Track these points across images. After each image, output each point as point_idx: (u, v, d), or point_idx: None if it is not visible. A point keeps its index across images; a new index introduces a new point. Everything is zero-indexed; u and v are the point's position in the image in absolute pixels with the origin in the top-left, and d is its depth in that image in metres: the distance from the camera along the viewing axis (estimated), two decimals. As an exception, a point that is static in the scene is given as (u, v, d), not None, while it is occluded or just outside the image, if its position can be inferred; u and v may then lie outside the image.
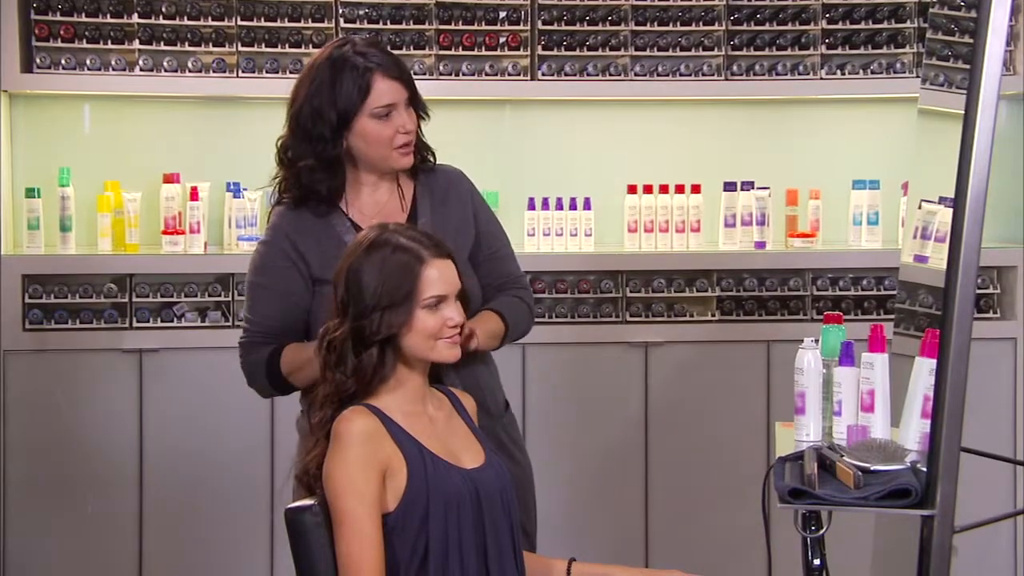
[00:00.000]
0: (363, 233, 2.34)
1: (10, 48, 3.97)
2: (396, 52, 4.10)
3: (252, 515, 3.99)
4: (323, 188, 2.61)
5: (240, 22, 4.11)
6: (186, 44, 4.09)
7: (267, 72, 4.10)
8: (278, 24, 4.12)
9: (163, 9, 4.09)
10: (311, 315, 2.61)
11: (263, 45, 4.11)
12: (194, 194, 4.11)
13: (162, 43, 4.08)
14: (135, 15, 4.07)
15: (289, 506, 2.25)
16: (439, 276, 2.27)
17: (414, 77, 4.12)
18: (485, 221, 2.78)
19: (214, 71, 4.10)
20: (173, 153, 4.24)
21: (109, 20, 4.07)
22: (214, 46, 4.11)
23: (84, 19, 4.05)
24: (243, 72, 4.11)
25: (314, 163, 2.60)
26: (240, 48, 4.11)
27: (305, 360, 2.52)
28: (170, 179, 4.13)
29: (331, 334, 2.27)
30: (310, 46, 4.12)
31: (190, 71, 4.08)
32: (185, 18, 4.10)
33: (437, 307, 2.27)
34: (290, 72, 4.10)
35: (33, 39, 4.02)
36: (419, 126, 2.70)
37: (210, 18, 4.11)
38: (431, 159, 2.75)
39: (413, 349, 2.27)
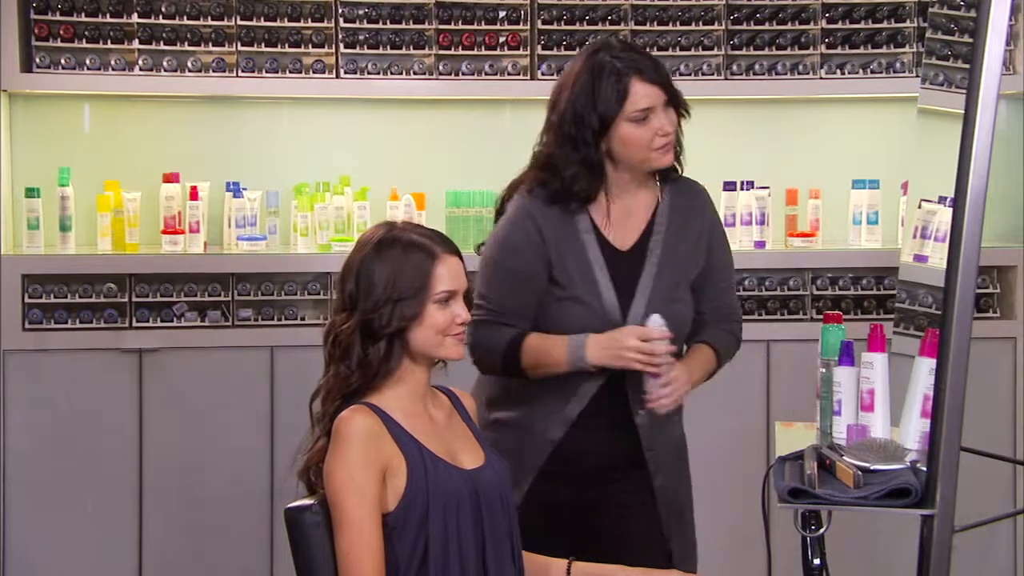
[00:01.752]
0: (370, 230, 2.34)
1: (10, 48, 3.96)
2: (395, 52, 4.14)
3: (252, 514, 3.99)
4: (583, 190, 2.63)
5: (240, 22, 4.11)
6: (186, 44, 4.09)
7: (267, 72, 4.10)
8: (278, 24, 4.12)
9: (163, 9, 4.09)
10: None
11: (263, 45, 4.11)
12: (194, 194, 4.11)
13: (162, 43, 4.08)
14: (135, 15, 4.07)
15: (289, 505, 2.26)
16: (450, 272, 2.28)
17: (413, 76, 4.16)
18: (720, 251, 2.79)
19: (214, 71, 4.10)
20: (173, 153, 4.24)
21: (109, 20, 4.06)
22: (214, 46, 4.11)
23: (84, 19, 4.04)
24: (243, 72, 4.11)
25: (578, 169, 2.62)
26: (240, 48, 4.11)
27: (553, 363, 2.59)
28: (170, 179, 4.13)
29: (338, 328, 2.27)
30: (309, 46, 4.12)
31: (190, 71, 4.08)
32: (185, 18, 4.10)
33: (447, 303, 2.28)
34: (290, 72, 4.10)
35: (33, 39, 4.02)
36: (679, 125, 2.73)
37: (210, 18, 4.11)
38: (678, 167, 2.78)
39: (421, 344, 2.27)
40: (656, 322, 2.55)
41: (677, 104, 2.68)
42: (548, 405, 2.66)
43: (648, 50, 4.15)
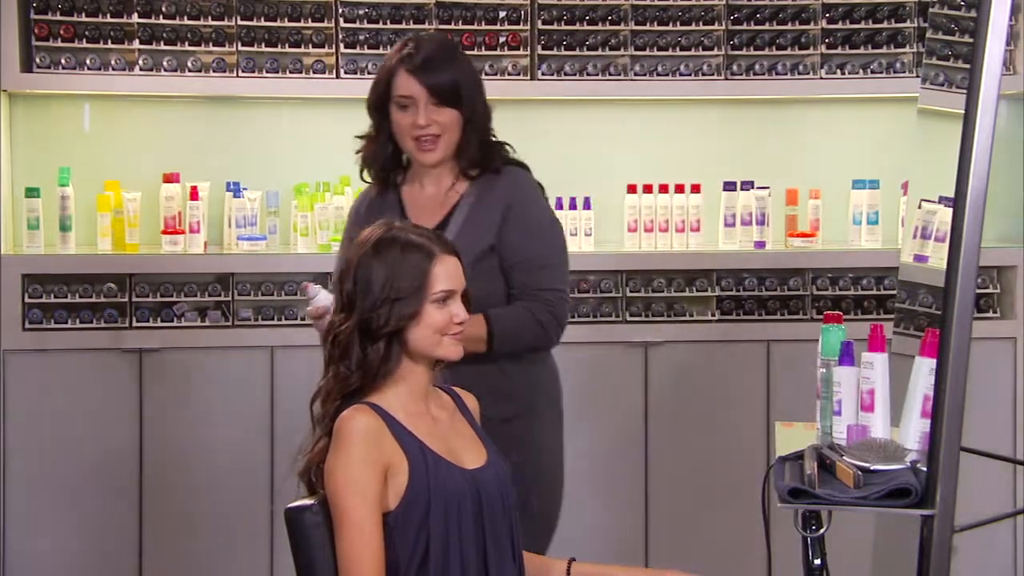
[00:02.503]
0: (370, 229, 2.34)
1: (10, 48, 3.97)
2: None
3: (252, 514, 3.99)
4: (375, 162, 2.86)
5: (240, 22, 4.11)
6: (186, 44, 4.09)
7: (267, 72, 4.11)
8: (278, 24, 4.12)
9: (163, 9, 4.09)
10: None
11: (263, 45, 4.11)
12: (194, 193, 4.11)
13: (162, 43, 4.08)
14: (135, 15, 4.07)
15: (289, 505, 2.26)
16: (447, 272, 2.28)
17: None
18: (519, 232, 2.83)
19: (214, 71, 4.10)
20: (173, 153, 4.24)
21: (109, 20, 4.07)
22: (214, 46, 4.11)
23: (84, 19, 4.05)
24: (243, 72, 4.11)
25: (371, 133, 2.85)
26: (240, 48, 4.11)
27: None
28: (170, 179, 4.13)
29: (337, 328, 2.28)
30: (310, 46, 4.12)
31: (190, 71, 4.08)
32: (185, 18, 4.10)
33: (445, 303, 2.28)
34: (290, 72, 4.11)
35: (33, 39, 4.02)
36: (483, 130, 2.85)
37: (210, 18, 4.11)
38: (499, 162, 2.87)
39: (419, 344, 2.27)
40: (312, 292, 2.72)
41: (459, 104, 2.79)
42: None
43: (648, 50, 4.19)
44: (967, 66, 2.19)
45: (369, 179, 2.92)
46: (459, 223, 2.81)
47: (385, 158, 2.86)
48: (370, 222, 2.55)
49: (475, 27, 4.18)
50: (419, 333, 2.27)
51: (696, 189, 4.26)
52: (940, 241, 3.09)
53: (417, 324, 2.26)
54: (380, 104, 2.81)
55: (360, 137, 2.89)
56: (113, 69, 4.06)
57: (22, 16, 4.01)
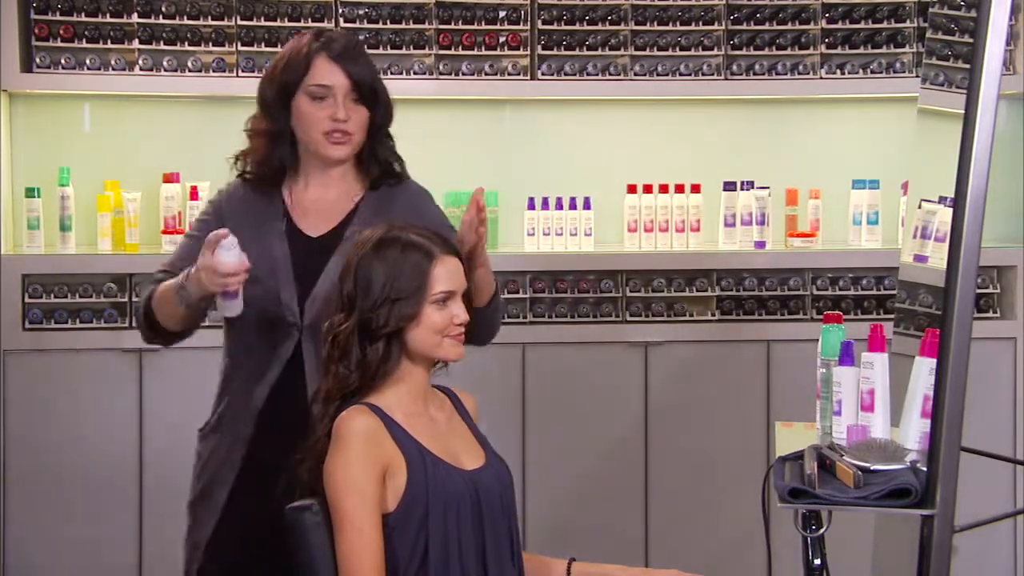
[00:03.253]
0: (371, 229, 2.34)
1: (10, 48, 3.97)
2: (395, 52, 4.14)
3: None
4: (264, 166, 2.64)
5: (240, 22, 4.11)
6: (186, 44, 4.09)
7: (267, 72, 4.10)
8: (278, 24, 4.12)
9: (163, 9, 4.09)
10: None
11: (263, 45, 4.11)
12: (194, 193, 4.11)
13: (162, 43, 4.08)
14: (135, 15, 4.07)
15: (289, 506, 2.26)
16: (448, 272, 2.28)
17: (413, 76, 4.16)
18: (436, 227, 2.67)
19: (214, 70, 4.10)
20: (173, 153, 4.23)
21: (109, 20, 4.06)
22: (214, 45, 4.11)
23: (84, 19, 4.04)
24: (243, 71, 4.11)
25: (266, 136, 2.62)
26: (240, 48, 4.11)
27: (169, 295, 2.50)
28: (170, 179, 4.13)
29: (336, 328, 2.27)
30: (310, 46, 4.12)
31: (190, 71, 4.08)
32: (185, 18, 4.10)
33: (445, 303, 2.28)
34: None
35: (33, 39, 4.02)
36: (389, 136, 2.66)
37: (210, 18, 4.11)
38: (397, 171, 2.68)
39: (419, 344, 2.27)
40: (229, 243, 2.40)
41: (373, 105, 2.60)
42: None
43: (648, 50, 4.19)
44: (967, 66, 2.19)
45: (249, 176, 2.68)
46: (360, 227, 2.56)
47: (284, 155, 2.63)
48: (247, 224, 2.51)
49: (475, 27, 4.18)
50: (419, 334, 2.27)
51: (696, 189, 4.26)
52: (940, 241, 3.08)
53: (417, 325, 2.26)
54: (286, 94, 2.59)
55: (249, 131, 2.68)
56: (113, 69, 4.06)
57: (22, 16, 4.01)
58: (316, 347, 2.46)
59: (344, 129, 2.57)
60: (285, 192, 2.65)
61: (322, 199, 2.64)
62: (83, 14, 4.04)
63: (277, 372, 2.55)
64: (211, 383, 2.70)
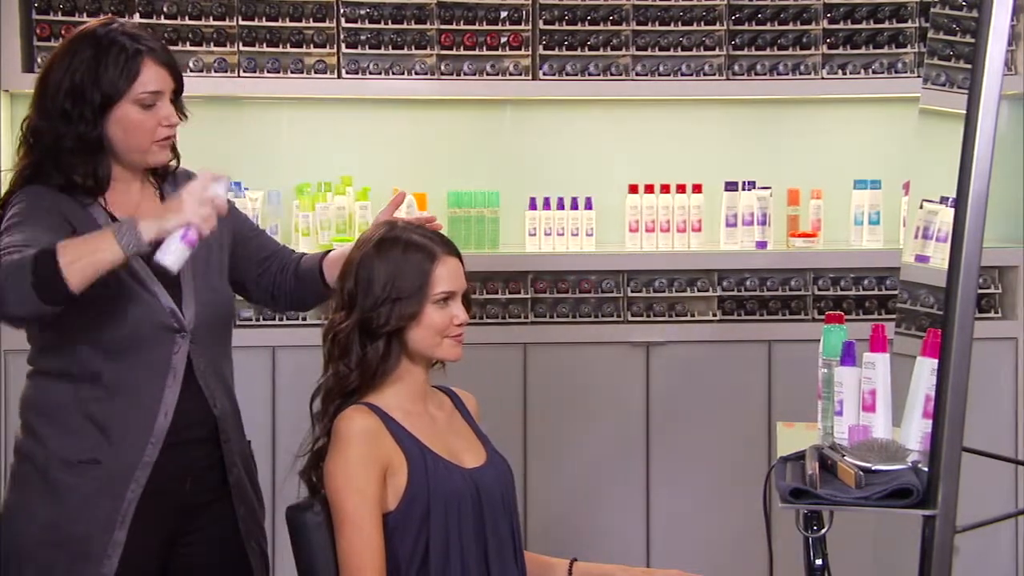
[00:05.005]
0: (371, 229, 2.34)
1: (11, 48, 3.97)
2: (397, 52, 4.14)
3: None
4: (88, 177, 2.37)
5: (241, 22, 4.11)
6: (187, 44, 4.09)
7: (268, 72, 4.11)
8: (279, 24, 4.13)
9: (164, 9, 4.09)
10: None
11: (264, 45, 4.11)
12: (195, 194, 4.10)
13: (163, 43, 4.07)
14: (136, 15, 4.07)
15: (290, 505, 2.26)
16: (449, 273, 2.29)
17: (415, 76, 4.16)
18: (244, 220, 2.66)
19: (215, 71, 4.10)
20: (174, 153, 4.23)
21: (125, 20, 4.03)
22: (215, 46, 4.11)
23: (85, 19, 4.04)
24: (244, 72, 4.11)
25: (74, 145, 2.35)
26: (241, 48, 4.11)
27: (97, 242, 2.18)
28: (171, 179, 4.13)
29: (336, 326, 2.28)
30: (311, 46, 4.12)
31: (191, 71, 4.08)
32: (186, 18, 4.10)
33: (446, 304, 2.28)
34: (292, 72, 4.11)
35: (34, 39, 4.02)
36: None
37: (211, 18, 4.11)
38: (177, 162, 2.54)
39: (419, 344, 2.27)
40: (224, 186, 2.27)
41: (179, 101, 2.46)
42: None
43: (650, 50, 4.19)
44: (968, 66, 2.19)
45: (58, 186, 2.37)
46: None
47: (106, 165, 2.39)
48: (78, 234, 2.27)
49: (477, 27, 4.18)
50: (419, 334, 2.27)
51: (697, 189, 4.26)
52: (941, 241, 3.08)
53: (417, 324, 2.26)
54: (108, 102, 2.35)
55: (61, 152, 2.36)
56: (115, 69, 4.06)
57: (23, 16, 4.01)
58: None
59: (172, 135, 2.45)
60: (104, 199, 2.42)
61: (133, 201, 2.45)
62: (84, 14, 4.04)
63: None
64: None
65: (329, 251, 2.65)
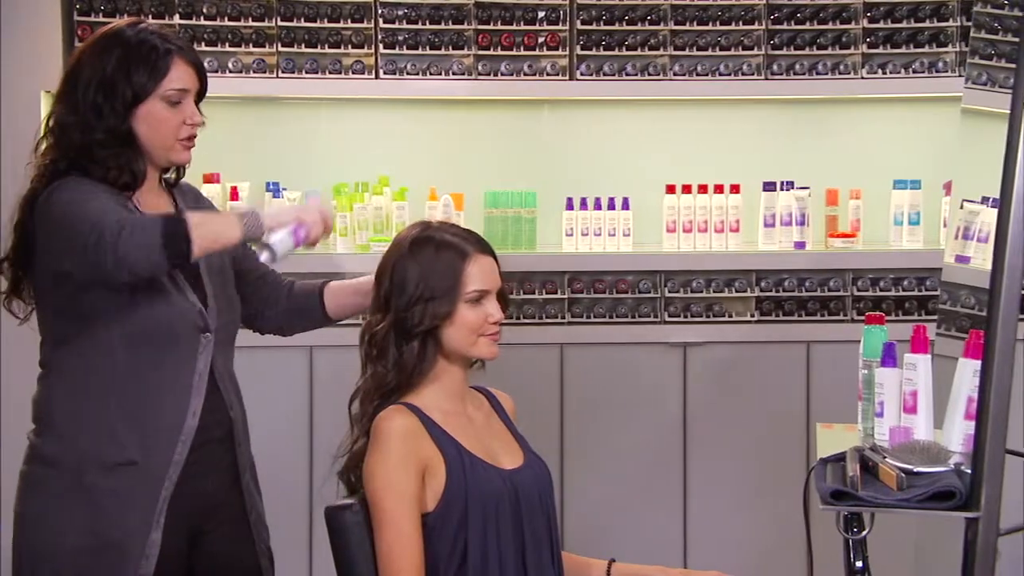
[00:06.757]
0: (406, 229, 2.35)
1: (53, 49, 4.00)
2: (434, 52, 4.15)
3: (290, 514, 4.00)
4: (124, 172, 2.39)
5: (280, 23, 4.13)
6: (227, 45, 4.12)
7: (307, 72, 4.12)
8: (318, 25, 4.14)
9: (204, 10, 4.11)
10: None
11: (303, 46, 4.13)
12: (234, 194, 4.13)
13: (203, 44, 4.10)
14: (176, 16, 4.10)
15: (329, 504, 2.26)
16: (482, 271, 2.28)
17: (452, 77, 4.17)
18: None
19: (254, 71, 4.12)
20: (213, 153, 4.20)
21: (151, 21, 4.07)
22: (254, 47, 4.13)
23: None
24: (283, 72, 4.13)
25: (105, 139, 2.38)
26: (280, 48, 4.13)
27: (223, 219, 2.31)
28: (210, 179, 4.16)
29: (372, 328, 2.28)
30: (349, 46, 4.14)
31: (230, 71, 4.10)
32: (226, 19, 4.12)
33: (479, 302, 2.28)
34: (329, 72, 4.12)
35: (76, 40, 4.05)
36: None
37: (250, 19, 4.13)
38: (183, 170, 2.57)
39: (454, 343, 2.27)
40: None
41: (200, 100, 2.50)
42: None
43: (688, 50, 4.17)
44: (1011, 65, 2.18)
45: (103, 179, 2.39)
46: None
47: (139, 161, 2.42)
48: None
49: (514, 27, 4.18)
50: (453, 333, 2.27)
51: (735, 189, 4.24)
52: (983, 242, 3.07)
53: (451, 323, 2.26)
54: (137, 98, 2.39)
55: (97, 151, 2.38)
56: (154, 70, 4.09)
57: (65, 18, 4.04)
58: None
59: (195, 132, 2.49)
60: (134, 199, 2.43)
61: (154, 203, 2.47)
62: (125, 15, 4.07)
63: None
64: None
65: (329, 281, 2.67)
